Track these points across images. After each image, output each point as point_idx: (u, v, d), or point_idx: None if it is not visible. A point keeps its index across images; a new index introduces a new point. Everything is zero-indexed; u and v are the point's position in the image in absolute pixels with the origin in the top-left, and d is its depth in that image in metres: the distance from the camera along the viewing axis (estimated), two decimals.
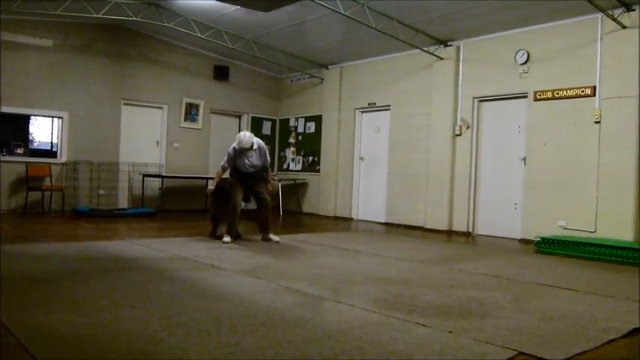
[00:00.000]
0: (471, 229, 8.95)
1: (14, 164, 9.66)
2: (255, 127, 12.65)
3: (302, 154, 12.36)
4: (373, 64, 10.77)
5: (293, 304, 3.70)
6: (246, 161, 6.72)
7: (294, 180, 12.12)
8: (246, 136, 6.66)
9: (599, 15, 7.22)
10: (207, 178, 11.62)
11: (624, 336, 3.21)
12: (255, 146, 6.70)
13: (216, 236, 7.01)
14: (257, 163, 6.78)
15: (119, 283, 4.18)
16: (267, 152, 7.02)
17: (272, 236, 6.93)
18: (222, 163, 6.92)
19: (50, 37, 9.90)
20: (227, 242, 6.56)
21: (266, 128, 12.82)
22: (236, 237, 6.80)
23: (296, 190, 12.22)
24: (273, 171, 11.90)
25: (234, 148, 6.71)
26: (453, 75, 9.13)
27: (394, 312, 3.53)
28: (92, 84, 10.37)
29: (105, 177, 10.54)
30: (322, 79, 11.79)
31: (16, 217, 8.91)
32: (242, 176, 6.81)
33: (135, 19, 9.01)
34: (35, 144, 13.55)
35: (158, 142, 11.38)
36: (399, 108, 10.18)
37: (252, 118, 12.64)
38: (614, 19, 6.96)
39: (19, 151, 10.69)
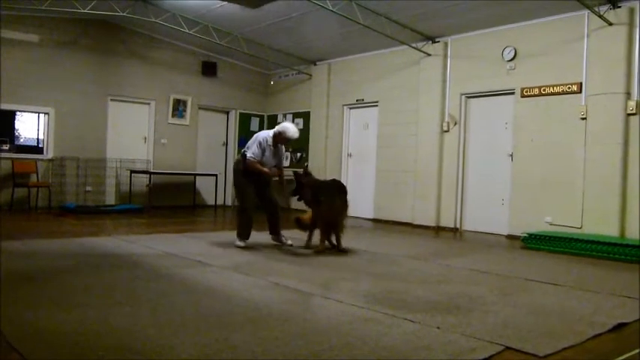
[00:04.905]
0: (458, 225, 9.00)
1: (0, 160, 9.54)
2: (243, 124, 12.64)
3: (290, 150, 12.32)
4: (361, 61, 10.78)
5: (281, 301, 3.71)
6: (271, 157, 6.20)
7: None
8: (296, 128, 6.14)
9: (586, 12, 7.28)
10: (195, 175, 11.60)
11: (610, 330, 3.25)
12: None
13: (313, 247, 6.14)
14: (278, 162, 6.39)
15: (107, 280, 4.16)
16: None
17: (284, 238, 6.46)
18: (252, 157, 6.04)
19: (36, 32, 9.77)
20: (241, 246, 6.14)
21: (254, 124, 12.77)
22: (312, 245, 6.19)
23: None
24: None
25: (265, 140, 6.09)
26: (441, 71, 9.16)
27: (383, 307, 3.55)
28: (79, 80, 10.26)
29: (92, 173, 10.45)
30: (310, 76, 11.77)
31: (1, 214, 8.81)
32: (256, 175, 6.17)
33: (122, 14, 8.93)
34: (21, 140, 13.44)
35: (145, 138, 11.30)
36: (387, 104, 10.20)
37: (240, 114, 12.60)
38: (600, 16, 7.02)
39: (5, 147, 10.60)
